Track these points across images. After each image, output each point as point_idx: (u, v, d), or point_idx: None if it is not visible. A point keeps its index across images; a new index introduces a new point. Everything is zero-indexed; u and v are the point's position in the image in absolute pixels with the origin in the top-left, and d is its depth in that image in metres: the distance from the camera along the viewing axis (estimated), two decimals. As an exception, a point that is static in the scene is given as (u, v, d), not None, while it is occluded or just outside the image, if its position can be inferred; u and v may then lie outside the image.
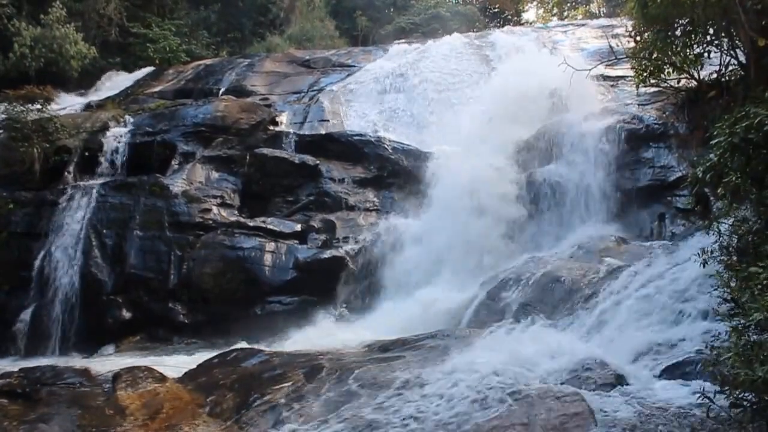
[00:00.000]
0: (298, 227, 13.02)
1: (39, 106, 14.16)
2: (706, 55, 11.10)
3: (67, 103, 17.19)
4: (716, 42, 10.92)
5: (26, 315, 12.07)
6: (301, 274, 12.30)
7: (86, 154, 14.21)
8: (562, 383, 5.73)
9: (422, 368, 6.41)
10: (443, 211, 12.46)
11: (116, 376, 7.22)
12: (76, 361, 10.02)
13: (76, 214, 12.87)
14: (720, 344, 4.55)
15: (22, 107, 13.95)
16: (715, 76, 11.06)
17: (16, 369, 7.93)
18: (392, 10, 29.95)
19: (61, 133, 14.13)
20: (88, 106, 17.05)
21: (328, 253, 12.50)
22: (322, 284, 12.15)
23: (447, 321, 9.83)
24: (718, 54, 10.98)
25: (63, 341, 11.92)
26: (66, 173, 13.95)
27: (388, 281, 12.06)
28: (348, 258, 12.47)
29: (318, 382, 6.52)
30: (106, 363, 9.48)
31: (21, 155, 13.58)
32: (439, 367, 6.35)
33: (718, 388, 4.38)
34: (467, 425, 5.13)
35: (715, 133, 5.60)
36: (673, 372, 5.95)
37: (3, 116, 13.99)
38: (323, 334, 10.45)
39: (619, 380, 5.79)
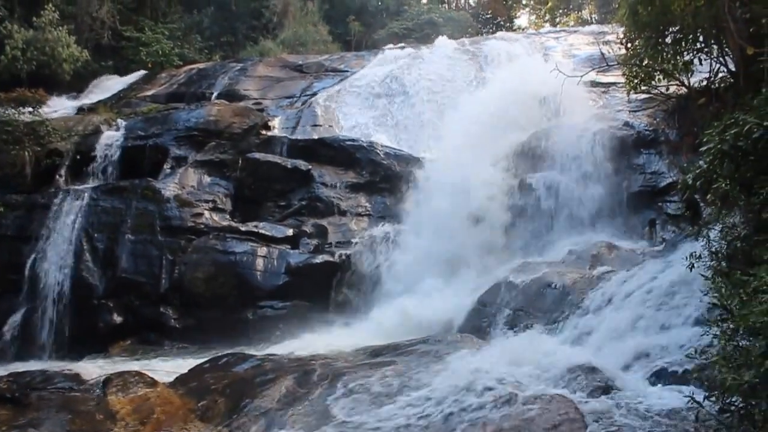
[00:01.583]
0: (290, 232, 13.01)
1: (31, 109, 14.17)
2: (696, 62, 11.17)
3: (59, 107, 17.16)
4: (706, 49, 11.01)
5: (16, 319, 12.04)
6: (293, 278, 12.28)
7: (78, 157, 14.21)
8: (553, 389, 5.75)
9: (414, 373, 6.42)
10: (435, 216, 12.47)
11: (107, 381, 7.18)
12: (67, 366, 9.90)
13: (67, 218, 12.83)
14: (709, 350, 4.59)
15: (13, 110, 13.95)
16: (704, 83, 11.14)
17: (5, 373, 7.89)
18: (385, 15, 30.04)
19: (53, 137, 14.11)
20: (80, 110, 17.02)
21: (320, 258, 12.49)
22: (313, 289, 12.13)
23: (439, 326, 9.85)
24: (708, 61, 11.06)
25: (53, 345, 11.88)
26: (57, 176, 13.93)
27: (380, 286, 12.05)
28: (340, 263, 12.47)
29: (310, 386, 6.51)
30: (97, 367, 9.42)
31: (12, 158, 13.55)
32: (431, 372, 6.36)
33: (707, 393, 4.42)
34: (458, 430, 5.14)
35: (704, 140, 5.66)
36: (663, 377, 5.99)
37: (-6, 119, 13.95)
38: (315, 338, 10.45)
39: (611, 386, 5.80)
